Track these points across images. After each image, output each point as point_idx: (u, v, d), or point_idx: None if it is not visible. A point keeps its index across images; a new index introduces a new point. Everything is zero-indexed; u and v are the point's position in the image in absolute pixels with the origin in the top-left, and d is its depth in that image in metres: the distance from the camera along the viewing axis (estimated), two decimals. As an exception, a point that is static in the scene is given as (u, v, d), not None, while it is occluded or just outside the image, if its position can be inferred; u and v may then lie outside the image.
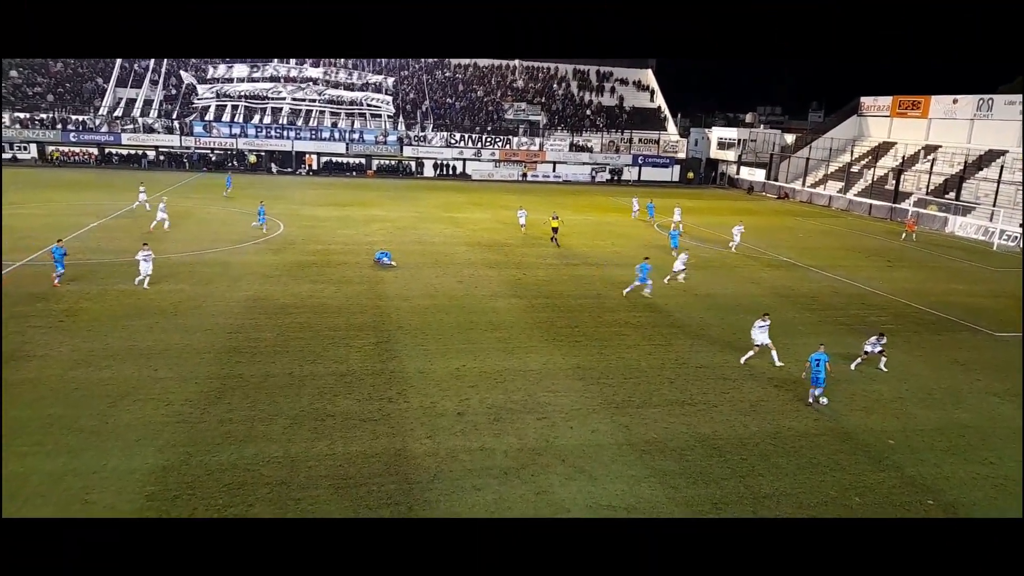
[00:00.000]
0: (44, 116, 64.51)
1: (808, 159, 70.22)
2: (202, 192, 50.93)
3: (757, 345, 19.56)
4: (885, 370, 19.53)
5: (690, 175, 78.70)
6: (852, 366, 19.58)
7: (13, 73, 68.11)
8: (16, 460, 12.65)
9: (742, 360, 19.65)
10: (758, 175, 75.12)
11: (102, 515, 11.16)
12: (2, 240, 23.55)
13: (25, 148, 63.86)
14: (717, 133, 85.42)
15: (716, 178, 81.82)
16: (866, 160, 65.51)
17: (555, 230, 35.81)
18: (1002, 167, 51.49)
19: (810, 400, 17.19)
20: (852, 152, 67.34)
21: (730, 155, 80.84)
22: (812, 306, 26.54)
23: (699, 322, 23.57)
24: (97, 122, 65.85)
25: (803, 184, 68.62)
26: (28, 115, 64.03)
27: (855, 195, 61.69)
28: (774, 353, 19.65)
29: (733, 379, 18.55)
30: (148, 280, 24.28)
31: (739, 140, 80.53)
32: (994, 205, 49.28)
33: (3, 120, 61.95)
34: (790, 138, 78.51)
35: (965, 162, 55.55)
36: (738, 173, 78.58)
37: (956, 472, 14.12)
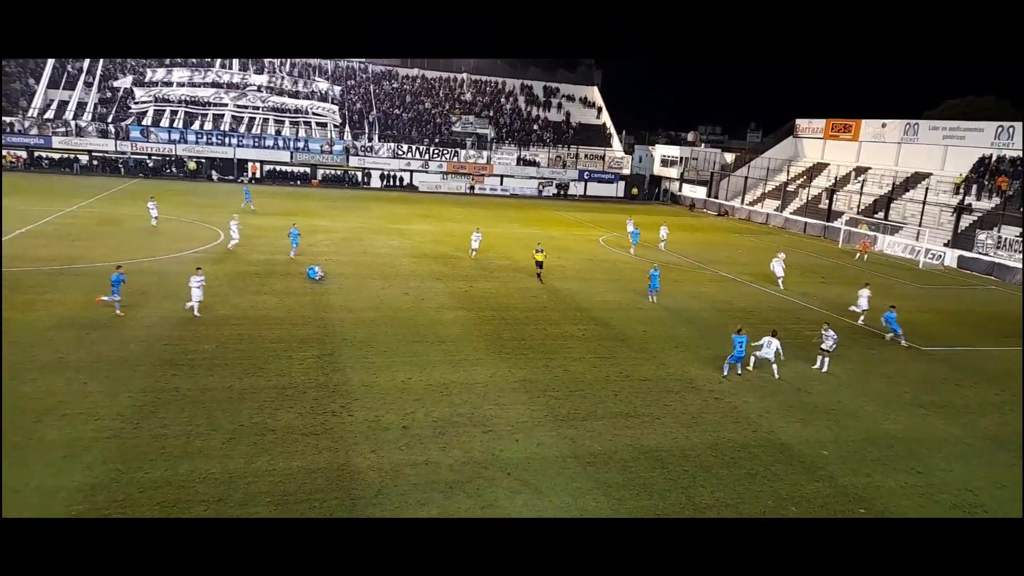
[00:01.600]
0: (-33, 116, 61.43)
1: (747, 178, 72.43)
2: (138, 199, 49.24)
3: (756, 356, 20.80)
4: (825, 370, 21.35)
5: (635, 191, 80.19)
6: (819, 366, 21.52)
7: (-66, 70, 64.75)
8: (-71, 479, 11.91)
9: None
10: (699, 192, 77.09)
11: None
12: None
13: (-54, 149, 60.67)
14: (660, 151, 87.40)
15: (660, 194, 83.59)
16: (801, 180, 67.95)
17: (540, 264, 31.32)
18: (927, 189, 54.14)
19: (725, 372, 20.29)
20: (788, 172, 69.80)
21: (673, 172, 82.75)
22: (750, 320, 27.24)
23: (642, 335, 23.95)
24: (26, 124, 63.09)
25: (742, 202, 70.70)
26: (-50, 115, 60.89)
27: (791, 213, 63.87)
28: (775, 366, 20.57)
29: (676, 391, 18.89)
30: (198, 307, 22.25)
31: (681, 158, 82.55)
32: (920, 225, 51.73)
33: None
34: (729, 157, 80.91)
35: (893, 183, 58.19)
36: (680, 190, 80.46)
37: (886, 482, 14.68)
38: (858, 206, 58.90)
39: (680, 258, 40.86)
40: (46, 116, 64.38)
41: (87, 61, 69.18)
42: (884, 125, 63.82)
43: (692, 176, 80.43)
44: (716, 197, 74.57)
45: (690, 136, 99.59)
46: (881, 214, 56.21)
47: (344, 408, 16.25)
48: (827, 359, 21.40)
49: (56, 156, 63.62)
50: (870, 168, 62.39)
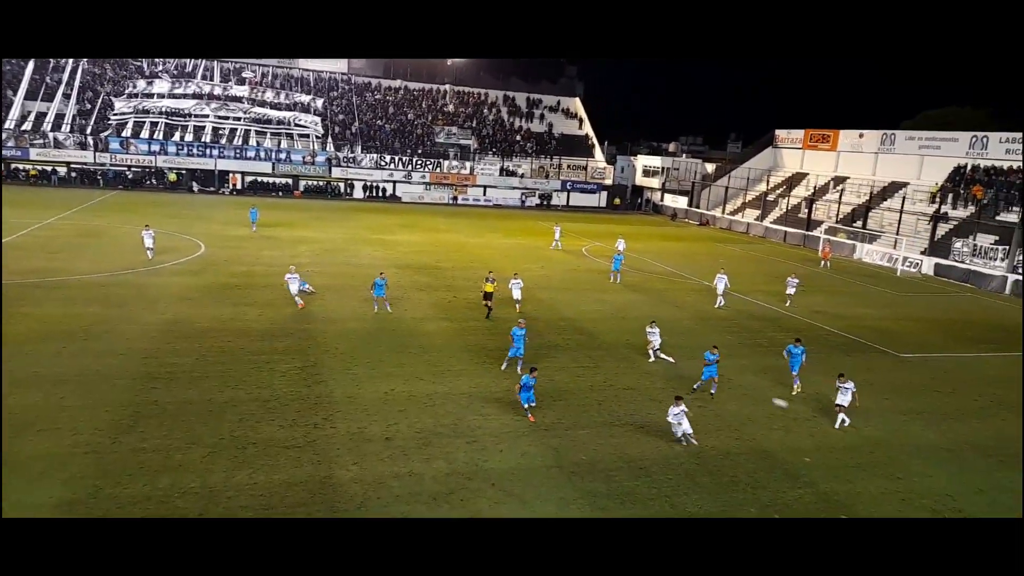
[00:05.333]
0: (-58, 128, 60.58)
1: (727, 188, 73.17)
2: (116, 211, 48.79)
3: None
4: (844, 425, 18.02)
5: (617, 201, 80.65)
6: (836, 425, 17.98)
7: (-92, 81, 63.81)
8: (-99, 497, 11.66)
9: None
10: (681, 202, 77.71)
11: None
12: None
13: (-80, 161, 59.76)
14: (642, 161, 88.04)
15: (642, 204, 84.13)
16: (781, 189, 68.75)
17: (488, 296, 25.91)
18: (904, 198, 54.97)
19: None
20: (768, 181, 70.56)
21: (654, 182, 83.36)
22: (732, 329, 27.48)
23: (626, 344, 24.02)
24: (3, 136, 62.27)
25: (723, 211, 71.35)
26: (-76, 126, 59.97)
27: (771, 223, 64.56)
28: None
29: (659, 400, 18.94)
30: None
31: (663, 168, 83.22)
32: (897, 233, 52.48)
33: None
34: (711, 167, 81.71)
35: (871, 193, 59.01)
36: (662, 200, 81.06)
37: (867, 488, 14.80)
38: (837, 215, 59.66)
39: (662, 267, 41.10)
40: (23, 128, 63.63)
41: (66, 72, 68.55)
42: (861, 135, 64.78)
43: (674, 186, 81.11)
44: (698, 207, 75.20)
45: (671, 147, 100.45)
46: (859, 223, 56.96)
47: (327, 420, 16.13)
48: (843, 416, 18.01)
49: (32, 168, 62.86)
50: (848, 178, 63.26)
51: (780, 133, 74.89)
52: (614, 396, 19.05)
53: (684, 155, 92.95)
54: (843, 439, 17.33)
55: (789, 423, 18.06)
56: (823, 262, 47.04)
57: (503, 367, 20.43)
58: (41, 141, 62.97)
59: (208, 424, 15.44)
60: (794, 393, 20.06)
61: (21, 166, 62.50)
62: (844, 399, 17.99)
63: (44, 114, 65.13)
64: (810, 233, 58.50)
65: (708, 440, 16.60)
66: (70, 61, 69.61)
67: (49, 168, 63.05)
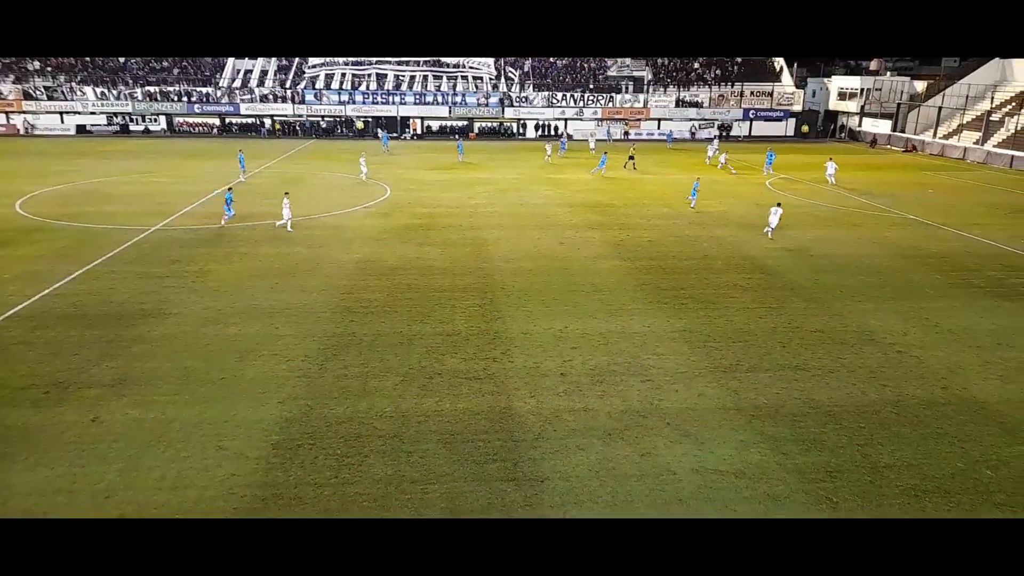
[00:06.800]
0: (171, 89, 68.98)
1: (940, 108, 64.63)
2: (313, 158, 53.10)
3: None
4: None
5: (804, 129, 74.31)
6: None
7: (144, 50, 73.02)
8: (159, 407, 13.88)
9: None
10: (883, 127, 69.99)
11: (235, 460, 12.08)
12: None
13: (156, 120, 68.72)
14: (837, 83, 79.97)
15: (835, 131, 76.90)
16: (1009, 107, 59.54)
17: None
18: None
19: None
20: (992, 99, 61.32)
21: (852, 106, 75.63)
22: (942, 267, 24.67)
23: (814, 284, 22.45)
24: (218, 94, 69.71)
25: (934, 136, 63.35)
26: (157, 89, 68.65)
27: (994, 147, 56.36)
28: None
29: (851, 344, 17.61)
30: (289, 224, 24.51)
31: (862, 89, 75.10)
32: None
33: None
34: (920, 86, 72.43)
35: None
36: (860, 125, 73.53)
37: (1108, 449, 12.87)
38: (1082, 134, 50.82)
39: (859, 199, 37.56)
40: (234, 86, 70.74)
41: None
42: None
43: (874, 109, 73.10)
44: (903, 132, 67.37)
45: (873, 64, 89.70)
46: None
47: (504, 354, 16.79)
48: None
49: (243, 121, 70.01)
50: (1100, 88, 53.34)
51: (1010, 40, 64.27)
52: (800, 339, 17.97)
53: (888, 74, 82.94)
54: (1079, 393, 15.11)
55: (1008, 371, 16.05)
56: None
57: None
58: (249, 97, 69.72)
59: (399, 355, 16.68)
60: None
61: (234, 120, 69.77)
62: None
63: (251, 71, 71.89)
64: (1044, 156, 50.44)
65: (908, 389, 15.22)
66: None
67: (292, 122, 69.93)
